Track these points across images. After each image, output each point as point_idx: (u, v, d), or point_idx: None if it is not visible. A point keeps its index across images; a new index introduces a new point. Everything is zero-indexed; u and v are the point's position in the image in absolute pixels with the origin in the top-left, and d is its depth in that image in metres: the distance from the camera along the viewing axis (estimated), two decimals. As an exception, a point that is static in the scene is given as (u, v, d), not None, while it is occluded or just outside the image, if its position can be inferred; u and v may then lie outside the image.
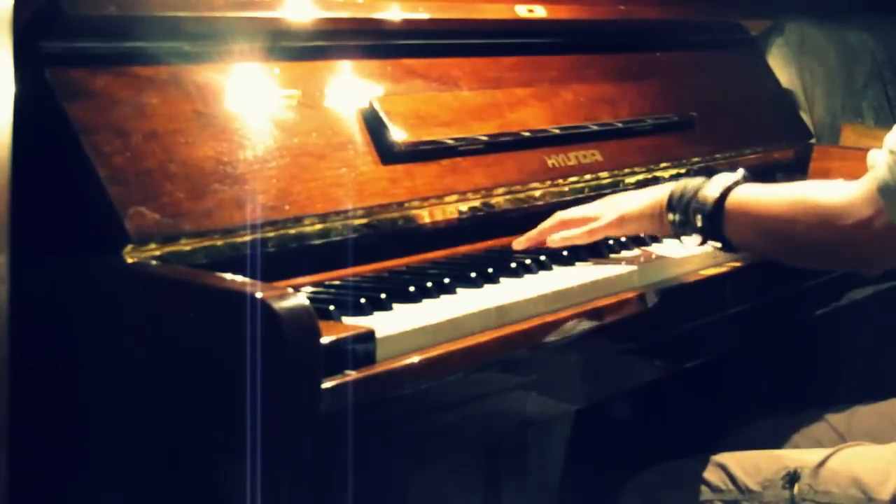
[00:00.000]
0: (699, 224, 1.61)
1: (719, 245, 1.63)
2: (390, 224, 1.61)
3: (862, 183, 1.51)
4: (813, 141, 2.53)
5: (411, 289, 1.40)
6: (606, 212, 1.68)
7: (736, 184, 1.61)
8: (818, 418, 1.80)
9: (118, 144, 1.36)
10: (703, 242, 1.64)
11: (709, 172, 1.67)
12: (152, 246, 1.34)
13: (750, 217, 1.60)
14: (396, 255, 1.61)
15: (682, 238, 1.66)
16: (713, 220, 1.60)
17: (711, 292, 1.62)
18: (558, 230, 1.68)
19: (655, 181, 2.06)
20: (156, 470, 1.26)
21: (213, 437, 1.20)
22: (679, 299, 1.60)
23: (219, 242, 1.40)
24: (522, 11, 1.96)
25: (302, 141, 1.55)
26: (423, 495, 1.76)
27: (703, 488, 1.60)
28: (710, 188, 1.61)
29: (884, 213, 1.48)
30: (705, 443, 1.72)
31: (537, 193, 1.83)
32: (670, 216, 1.64)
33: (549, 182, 1.85)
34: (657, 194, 1.67)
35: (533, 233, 1.69)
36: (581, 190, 1.91)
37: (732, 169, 1.67)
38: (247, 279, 1.22)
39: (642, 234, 1.76)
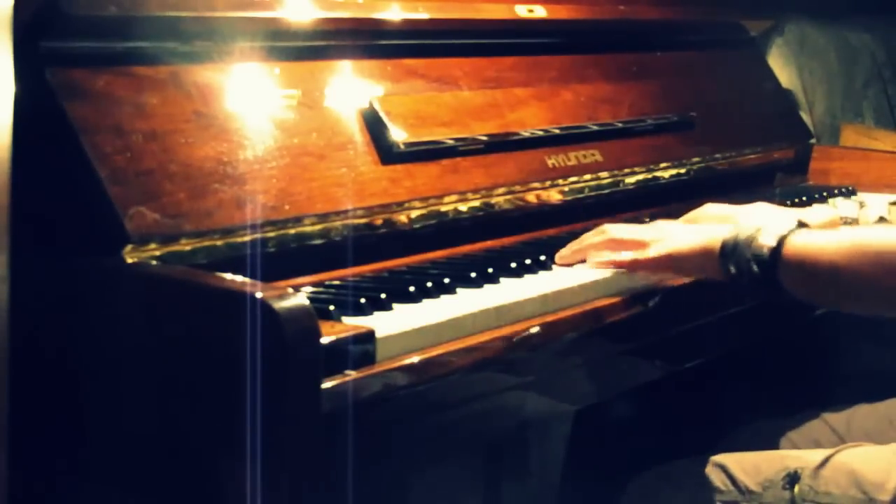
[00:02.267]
0: (755, 272, 1.48)
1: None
2: (390, 224, 1.61)
3: None
4: (813, 141, 2.54)
5: (411, 289, 1.40)
6: (656, 244, 1.57)
7: (791, 231, 1.49)
8: (818, 419, 1.80)
9: (118, 144, 1.36)
10: (760, 294, 1.53)
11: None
12: (152, 246, 1.34)
13: (810, 267, 1.48)
14: (396, 255, 1.61)
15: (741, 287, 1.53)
16: (770, 271, 1.48)
17: (711, 292, 1.62)
18: (606, 248, 1.60)
19: (655, 181, 2.06)
20: (156, 470, 1.26)
21: (214, 437, 1.20)
22: (679, 299, 1.59)
23: (219, 242, 1.40)
24: (522, 11, 1.96)
25: (302, 141, 1.55)
26: (423, 495, 1.76)
27: (703, 489, 1.60)
28: (765, 236, 1.49)
29: None
30: (705, 443, 1.72)
31: (537, 193, 1.83)
32: (724, 266, 1.52)
33: (549, 182, 1.85)
34: (709, 237, 1.55)
35: (575, 245, 1.63)
36: (581, 190, 1.91)
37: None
38: (247, 279, 1.22)
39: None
